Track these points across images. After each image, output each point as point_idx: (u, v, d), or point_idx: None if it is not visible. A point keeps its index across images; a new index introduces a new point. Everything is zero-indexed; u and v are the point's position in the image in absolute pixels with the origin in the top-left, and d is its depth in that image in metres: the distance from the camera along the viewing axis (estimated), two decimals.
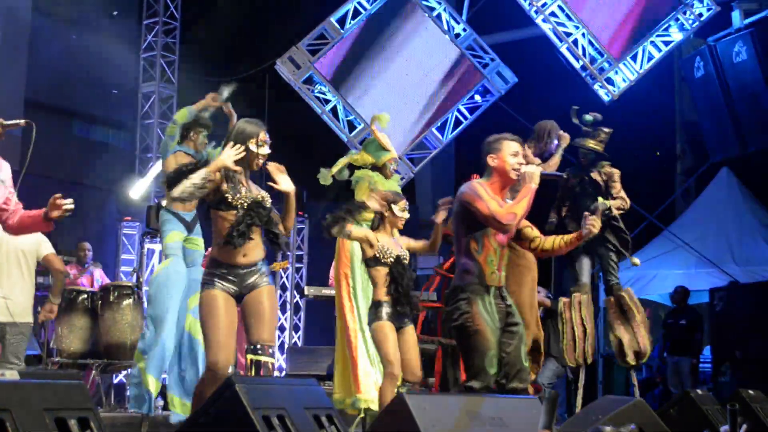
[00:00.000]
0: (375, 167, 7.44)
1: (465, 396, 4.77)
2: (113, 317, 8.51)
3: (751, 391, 6.41)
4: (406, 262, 6.10)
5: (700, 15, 12.92)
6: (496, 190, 5.28)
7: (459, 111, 13.20)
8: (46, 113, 13.10)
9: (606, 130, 8.02)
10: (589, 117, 8.13)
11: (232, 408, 3.63)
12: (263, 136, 4.95)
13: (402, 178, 12.77)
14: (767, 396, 6.70)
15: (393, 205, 6.13)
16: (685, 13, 12.86)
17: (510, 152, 5.29)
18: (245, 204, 4.87)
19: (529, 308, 6.74)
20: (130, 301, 8.68)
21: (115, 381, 10.13)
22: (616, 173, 7.96)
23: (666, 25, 12.85)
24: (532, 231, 5.48)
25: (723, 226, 13.59)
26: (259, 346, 4.87)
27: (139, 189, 12.59)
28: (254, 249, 4.93)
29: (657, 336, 12.86)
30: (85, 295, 8.63)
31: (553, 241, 5.46)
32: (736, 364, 10.69)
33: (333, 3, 12.82)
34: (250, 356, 4.89)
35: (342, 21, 12.74)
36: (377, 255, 6.00)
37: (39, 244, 7.33)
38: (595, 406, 5.55)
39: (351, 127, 12.97)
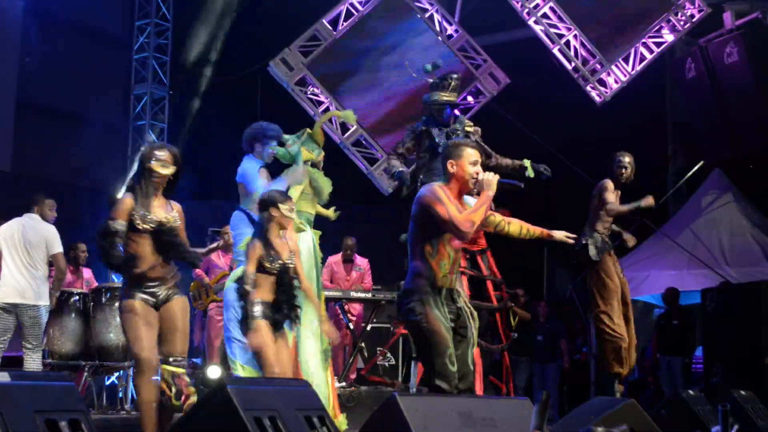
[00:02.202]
0: (313, 164, 7.27)
1: (457, 397, 4.78)
2: (105, 319, 8.50)
3: (742, 392, 6.43)
4: (292, 266, 6.02)
5: (692, 16, 12.95)
6: (454, 194, 5.33)
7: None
8: (38, 114, 13.08)
9: (455, 75, 7.04)
10: (428, 66, 7.19)
11: (224, 410, 3.63)
12: (164, 155, 5.37)
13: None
14: (759, 397, 6.72)
15: (280, 205, 6.08)
16: (676, 14, 12.88)
17: (470, 161, 5.35)
18: (151, 228, 5.29)
19: None
20: None
21: (107, 383, 10.13)
22: (479, 131, 7.09)
23: (658, 26, 12.87)
24: (495, 218, 5.61)
25: (715, 226, 13.62)
26: (172, 359, 5.39)
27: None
28: (162, 266, 5.37)
29: (649, 337, 12.88)
30: (77, 297, 8.63)
31: (520, 228, 5.58)
32: (727, 365, 10.71)
33: (326, 5, 12.83)
34: (165, 366, 5.35)
35: (335, 22, 12.75)
36: (264, 265, 5.92)
37: (48, 240, 7.97)
38: (587, 407, 5.55)
39: (344, 128, 12.97)
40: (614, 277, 8.02)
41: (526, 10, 12.55)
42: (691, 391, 6.37)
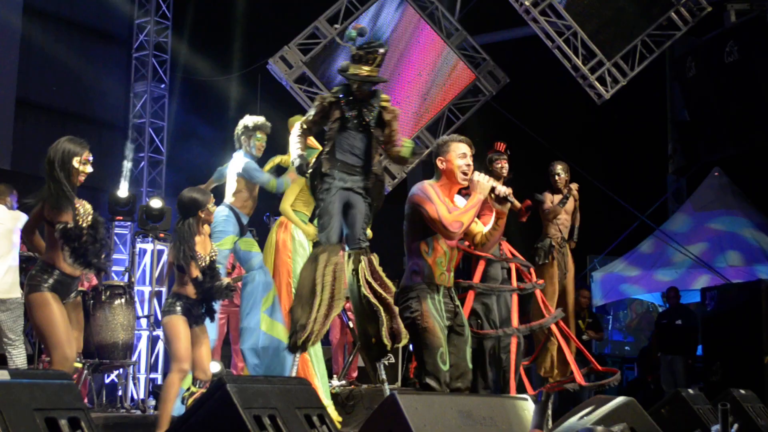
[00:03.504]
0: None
1: (457, 396, 4.78)
2: (105, 317, 8.50)
3: (742, 391, 6.42)
4: (216, 264, 6.12)
5: (692, 15, 12.93)
6: (446, 192, 5.33)
7: (451, 110, 13.20)
8: (38, 113, 13.08)
9: (381, 50, 6.10)
10: (352, 32, 6.11)
11: (223, 408, 3.62)
12: (86, 155, 5.40)
13: (394, 178, 12.79)
14: (758, 395, 6.72)
15: (201, 210, 6.13)
16: (677, 12, 12.86)
17: (458, 154, 5.34)
18: (87, 222, 5.33)
19: None
20: (122, 300, 8.67)
21: (107, 381, 10.12)
22: (397, 111, 6.32)
23: (658, 25, 12.85)
24: (476, 225, 5.51)
25: (714, 225, 13.62)
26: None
27: (129, 189, 12.57)
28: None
29: (647, 335, 12.90)
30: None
31: (483, 236, 5.51)
32: (727, 364, 10.72)
33: (325, 2, 12.81)
34: None
35: (334, 20, 12.73)
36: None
37: (17, 220, 7.52)
38: (587, 405, 5.54)
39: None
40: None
41: (526, 8, 12.52)
42: (690, 390, 6.36)
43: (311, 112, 6.00)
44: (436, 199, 5.21)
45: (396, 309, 5.58)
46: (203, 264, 5.96)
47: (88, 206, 5.45)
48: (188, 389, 6.08)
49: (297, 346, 5.60)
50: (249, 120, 7.44)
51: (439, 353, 5.16)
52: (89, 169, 5.43)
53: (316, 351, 6.91)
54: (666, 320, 12.01)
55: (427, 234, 5.29)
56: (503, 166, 7.82)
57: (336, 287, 5.67)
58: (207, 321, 6.08)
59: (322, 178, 5.83)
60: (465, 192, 5.47)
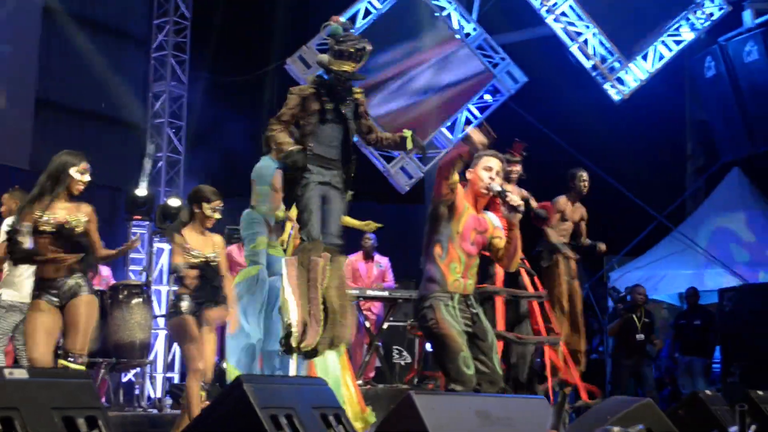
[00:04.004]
0: None
1: (473, 396, 4.77)
2: (122, 316, 8.53)
3: (760, 392, 6.39)
4: (215, 263, 6.15)
5: (711, 14, 12.87)
6: (470, 200, 5.36)
7: (469, 110, 13.18)
8: (57, 112, 13.14)
9: (368, 49, 5.86)
10: (338, 27, 5.87)
11: (240, 407, 3.63)
12: (85, 165, 5.63)
13: (411, 178, 12.79)
14: None
15: (204, 204, 6.14)
16: (696, 12, 12.81)
17: (484, 166, 5.39)
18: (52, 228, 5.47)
19: None
20: (140, 300, 8.70)
21: (124, 380, 10.16)
22: (364, 102, 6.17)
23: (677, 24, 12.80)
24: (500, 241, 5.48)
25: (733, 226, 13.56)
26: (70, 355, 5.48)
27: (148, 188, 12.62)
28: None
29: (665, 337, 12.84)
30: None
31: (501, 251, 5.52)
32: (745, 365, 10.68)
33: (343, 3, 12.81)
34: (61, 361, 5.47)
35: (352, 21, 12.73)
36: (186, 257, 6.05)
37: None
38: (604, 406, 5.53)
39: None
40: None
41: (545, 8, 12.50)
42: (708, 391, 6.34)
43: (290, 104, 5.89)
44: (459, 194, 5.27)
45: (347, 317, 5.72)
46: (195, 260, 5.98)
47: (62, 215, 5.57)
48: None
49: (292, 347, 5.62)
50: None
51: (461, 358, 5.12)
52: (87, 178, 5.65)
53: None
54: (684, 321, 11.96)
55: (442, 236, 5.29)
56: (513, 170, 7.84)
57: (321, 285, 5.69)
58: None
59: (301, 172, 5.83)
60: (497, 213, 5.50)
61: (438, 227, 5.30)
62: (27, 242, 5.36)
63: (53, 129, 12.92)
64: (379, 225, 6.99)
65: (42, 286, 5.53)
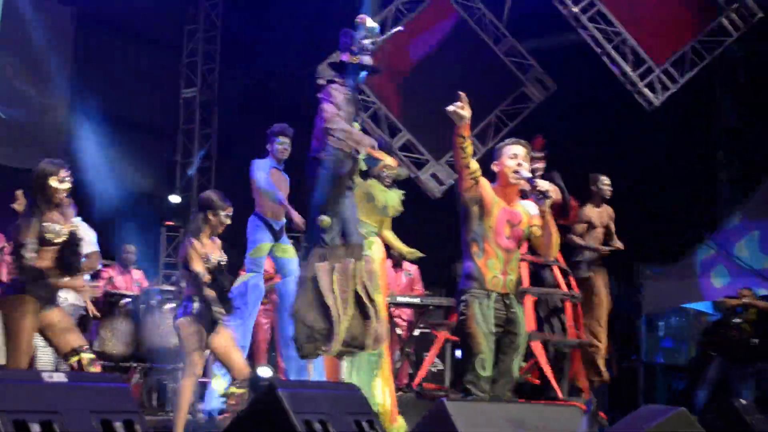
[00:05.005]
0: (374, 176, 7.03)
1: (507, 403, 4.77)
2: (155, 321, 8.57)
3: None
4: (224, 266, 6.16)
5: (744, 21, 12.78)
6: (501, 194, 5.33)
7: (498, 117, 13.16)
8: (89, 119, 13.25)
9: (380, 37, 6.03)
10: (375, 26, 6.13)
11: (274, 412, 3.66)
12: (63, 173, 5.62)
13: (442, 184, 12.79)
14: None
15: (220, 211, 6.15)
16: (728, 18, 12.73)
17: (508, 155, 5.36)
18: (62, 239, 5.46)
19: None
20: (173, 305, 8.74)
21: (157, 384, 10.21)
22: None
23: (709, 30, 12.72)
24: (538, 229, 5.44)
25: (766, 233, 13.45)
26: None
27: (180, 194, 12.71)
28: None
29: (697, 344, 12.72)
30: (128, 299, 8.71)
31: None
32: None
33: (371, 8, 12.83)
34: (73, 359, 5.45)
35: (381, 27, 12.73)
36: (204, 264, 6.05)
37: None
38: (637, 415, 5.50)
39: (391, 132, 12.97)
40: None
41: (575, 14, 12.46)
42: (743, 400, 6.30)
43: (340, 103, 5.91)
44: (487, 188, 5.27)
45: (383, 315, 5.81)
46: (209, 265, 6.01)
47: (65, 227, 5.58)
48: (228, 390, 6.11)
49: (313, 351, 5.64)
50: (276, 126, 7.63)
51: (478, 359, 5.14)
52: (66, 185, 5.65)
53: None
54: (717, 329, 11.83)
55: (477, 233, 5.27)
56: (537, 167, 7.84)
57: (349, 290, 5.70)
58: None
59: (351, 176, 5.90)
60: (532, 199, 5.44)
61: (471, 226, 5.28)
62: (34, 259, 5.38)
63: (85, 135, 13.02)
64: (422, 255, 7.00)
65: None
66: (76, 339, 5.50)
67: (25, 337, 5.33)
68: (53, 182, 5.58)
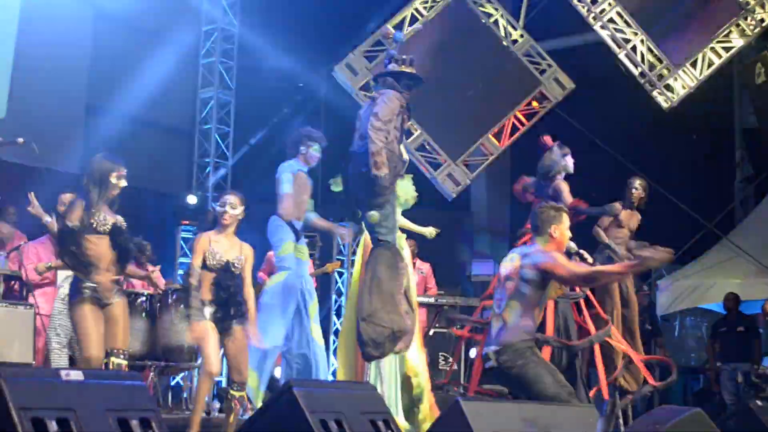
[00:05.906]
0: None
1: (521, 403, 4.77)
2: (171, 320, 8.60)
3: None
4: (237, 268, 6.12)
5: (762, 21, 12.72)
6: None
7: (516, 117, 13.14)
8: (106, 118, 13.30)
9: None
10: (401, 34, 6.26)
11: (290, 412, 3.67)
12: (123, 170, 5.79)
13: (458, 185, 12.77)
14: None
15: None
16: (746, 18, 12.68)
17: (567, 225, 5.62)
18: (107, 229, 5.62)
19: None
20: None
21: (172, 383, 10.25)
22: None
23: (726, 31, 12.67)
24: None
25: None
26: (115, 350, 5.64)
27: (197, 193, 12.73)
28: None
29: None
30: (144, 298, 8.74)
31: None
32: None
33: (390, 10, 12.84)
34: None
35: (399, 27, 12.74)
36: (205, 260, 6.07)
37: None
38: (653, 416, 5.49)
39: (408, 132, 12.96)
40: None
41: (592, 14, 12.44)
42: (759, 402, 6.27)
43: (394, 110, 6.03)
44: (563, 260, 5.45)
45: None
46: (217, 263, 6.01)
47: (110, 219, 5.71)
48: (230, 391, 6.15)
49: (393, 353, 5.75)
50: (305, 130, 7.60)
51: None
52: (123, 183, 5.80)
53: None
54: (725, 328, 11.76)
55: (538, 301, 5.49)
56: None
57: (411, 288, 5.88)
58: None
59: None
60: None
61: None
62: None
63: (102, 134, 13.06)
64: (438, 230, 7.03)
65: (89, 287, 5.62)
66: (115, 340, 5.65)
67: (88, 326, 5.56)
68: (113, 178, 5.73)
